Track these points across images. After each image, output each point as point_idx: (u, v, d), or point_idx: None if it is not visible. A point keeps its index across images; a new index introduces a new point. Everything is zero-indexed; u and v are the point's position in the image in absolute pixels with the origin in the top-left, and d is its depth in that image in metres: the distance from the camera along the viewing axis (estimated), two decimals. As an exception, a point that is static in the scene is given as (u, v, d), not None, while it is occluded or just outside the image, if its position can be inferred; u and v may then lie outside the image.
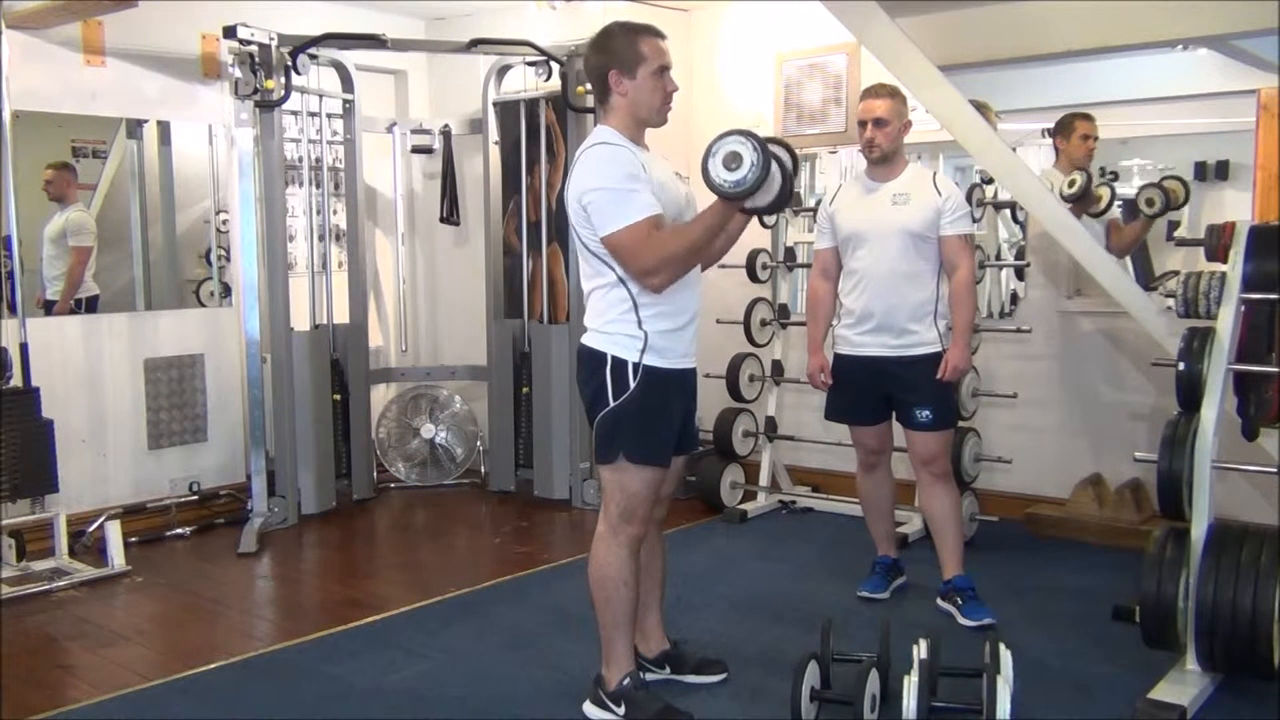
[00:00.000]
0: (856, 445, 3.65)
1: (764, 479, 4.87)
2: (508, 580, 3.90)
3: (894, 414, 3.53)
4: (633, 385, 2.56)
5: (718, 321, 4.95)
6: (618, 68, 2.60)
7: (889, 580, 3.66)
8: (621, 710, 2.65)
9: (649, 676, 2.82)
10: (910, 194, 3.40)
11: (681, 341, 2.63)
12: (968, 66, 4.11)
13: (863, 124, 3.42)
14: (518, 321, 5.21)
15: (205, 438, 4.83)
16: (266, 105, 4.45)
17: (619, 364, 2.57)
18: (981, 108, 4.17)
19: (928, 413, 3.40)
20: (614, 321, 2.57)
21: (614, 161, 2.51)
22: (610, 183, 2.48)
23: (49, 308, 4.39)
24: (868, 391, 3.51)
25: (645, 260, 2.47)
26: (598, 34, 2.69)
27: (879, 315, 3.42)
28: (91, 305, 4.52)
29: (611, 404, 2.57)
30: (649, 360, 2.56)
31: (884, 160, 3.42)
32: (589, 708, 2.72)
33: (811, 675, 2.63)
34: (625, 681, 2.66)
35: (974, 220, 3.72)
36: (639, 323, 2.56)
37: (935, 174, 3.52)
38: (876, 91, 3.43)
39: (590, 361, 2.63)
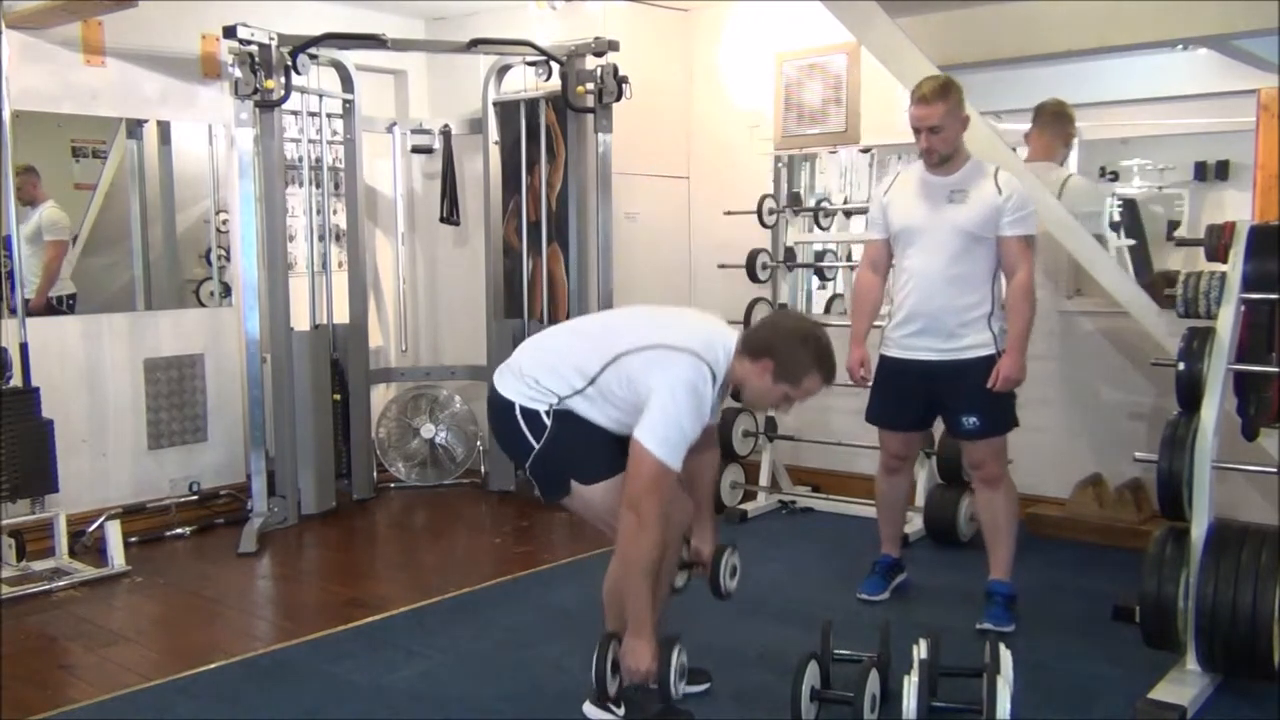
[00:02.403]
0: (881, 447, 3.58)
1: (764, 479, 4.87)
2: (508, 580, 3.90)
3: (940, 419, 3.45)
4: (549, 424, 2.56)
5: (718, 321, 4.94)
6: (774, 364, 2.53)
7: (888, 580, 3.64)
8: (621, 711, 2.65)
9: None
10: (968, 191, 3.24)
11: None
12: (968, 66, 4.11)
13: (916, 131, 3.22)
14: (518, 321, 5.20)
15: (205, 438, 4.83)
16: (266, 105, 4.45)
17: (529, 412, 2.58)
18: (1061, 110, 4.10)
19: (974, 419, 3.28)
20: (539, 384, 2.57)
21: (698, 401, 2.46)
22: (683, 418, 2.43)
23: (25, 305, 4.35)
24: (911, 397, 3.40)
25: (641, 501, 2.42)
26: (800, 325, 2.63)
27: (926, 318, 3.29)
28: (71, 303, 4.48)
29: (536, 446, 2.58)
30: (560, 407, 2.58)
31: (944, 161, 3.26)
32: (589, 708, 2.72)
33: (811, 675, 2.63)
34: (625, 682, 2.66)
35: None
36: (566, 396, 2.57)
37: (997, 170, 3.30)
38: (926, 97, 3.18)
39: (497, 408, 2.64)
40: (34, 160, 4.29)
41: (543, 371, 2.60)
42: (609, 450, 2.60)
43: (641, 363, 2.51)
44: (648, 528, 2.42)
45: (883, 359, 3.47)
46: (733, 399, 2.71)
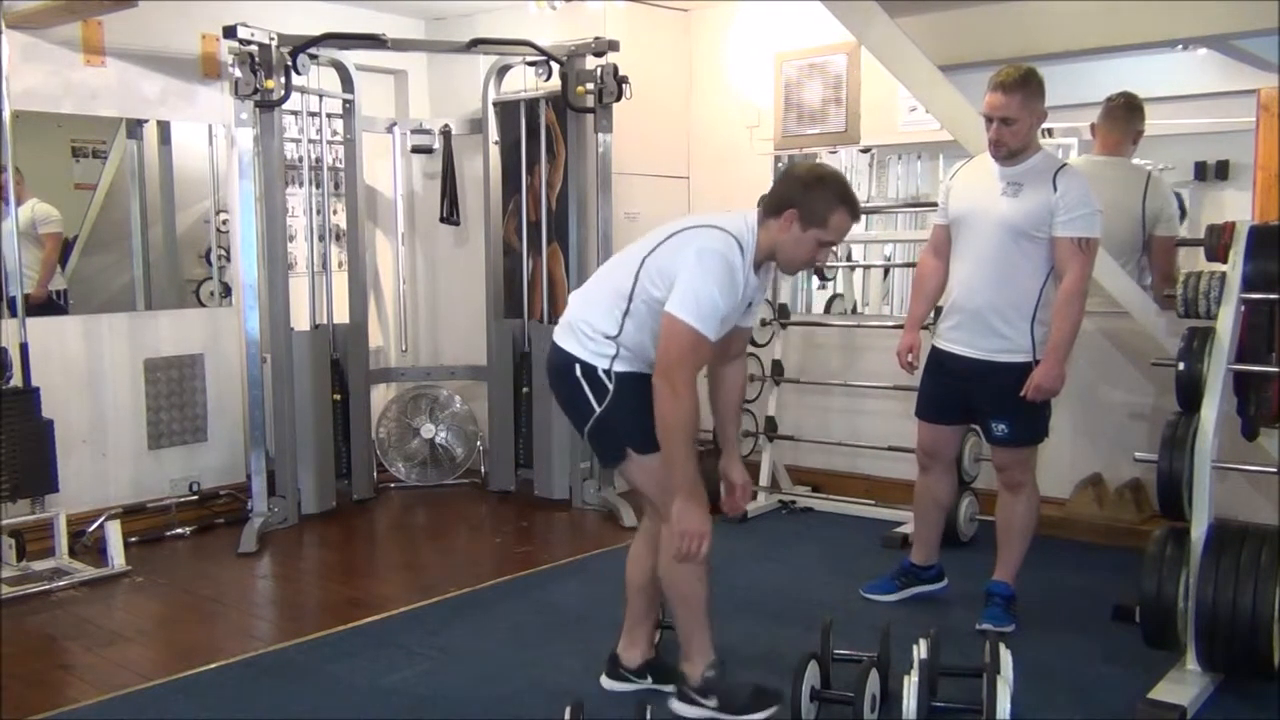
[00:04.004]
0: (917, 441, 3.52)
1: (764, 479, 4.87)
2: (508, 580, 3.90)
3: (973, 420, 3.40)
4: (611, 388, 2.55)
5: (718, 321, 4.94)
6: (798, 211, 2.51)
7: (898, 585, 3.58)
8: (713, 703, 2.64)
9: (629, 687, 2.83)
10: (1024, 185, 3.10)
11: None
12: (968, 66, 4.11)
13: (988, 119, 3.09)
14: (518, 321, 5.21)
15: (205, 438, 4.83)
16: (266, 105, 4.45)
17: (588, 369, 2.56)
18: (1132, 103, 3.98)
19: (1004, 426, 3.21)
20: (591, 326, 2.57)
21: (729, 271, 2.45)
22: (713, 286, 2.42)
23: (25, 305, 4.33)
24: (946, 391, 3.35)
25: (674, 369, 2.40)
26: (812, 168, 2.62)
27: (966, 313, 3.22)
28: (64, 299, 4.47)
29: (597, 409, 2.57)
30: (620, 367, 2.56)
31: (1012, 155, 3.14)
32: (678, 706, 2.69)
33: (811, 675, 2.63)
34: (710, 673, 2.65)
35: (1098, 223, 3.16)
36: (618, 334, 2.55)
37: (1061, 168, 3.13)
38: (1005, 86, 3.04)
39: (557, 366, 2.63)
40: (34, 160, 4.28)
41: (589, 311, 2.59)
42: None
43: (667, 251, 2.51)
44: (681, 395, 2.40)
45: (931, 348, 3.40)
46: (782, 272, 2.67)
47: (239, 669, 3.10)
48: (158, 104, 4.63)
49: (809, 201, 2.50)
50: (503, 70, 5.18)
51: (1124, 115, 4.07)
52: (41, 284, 4.39)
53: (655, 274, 2.50)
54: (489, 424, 5.34)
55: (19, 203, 4.36)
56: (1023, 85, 3.04)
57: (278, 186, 4.60)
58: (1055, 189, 3.07)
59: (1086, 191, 3.09)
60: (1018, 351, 3.17)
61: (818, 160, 4.74)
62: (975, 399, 3.29)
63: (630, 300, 2.53)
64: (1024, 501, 3.34)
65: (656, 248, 2.54)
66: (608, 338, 2.55)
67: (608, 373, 2.55)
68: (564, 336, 2.63)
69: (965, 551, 4.13)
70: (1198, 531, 2.75)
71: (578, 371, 2.57)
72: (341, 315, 5.06)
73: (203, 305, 4.86)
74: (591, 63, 4.76)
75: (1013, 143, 3.10)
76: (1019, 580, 3.40)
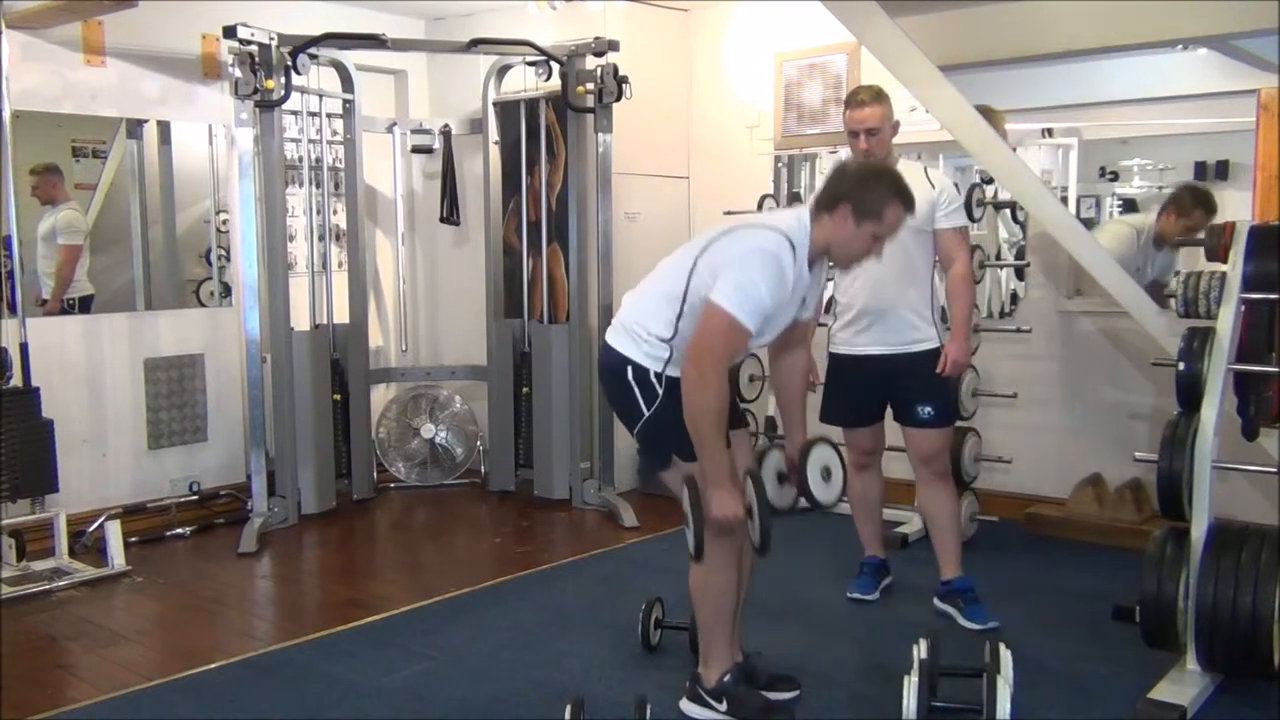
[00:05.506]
0: (849, 446, 3.58)
1: (764, 479, 4.86)
2: (508, 580, 3.90)
3: (892, 412, 3.48)
4: (661, 392, 2.53)
5: (718, 321, 4.94)
6: (852, 206, 2.51)
7: (877, 581, 3.64)
8: (723, 707, 2.65)
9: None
10: None
11: None
12: (968, 66, 4.11)
13: (854, 134, 3.35)
14: (518, 321, 5.21)
15: (205, 438, 4.83)
16: (266, 105, 4.45)
17: (640, 371, 2.55)
18: (988, 113, 4.13)
19: (929, 409, 3.36)
20: (647, 330, 2.55)
21: (778, 269, 2.45)
22: (759, 281, 2.41)
23: (44, 305, 4.38)
24: (865, 392, 3.47)
25: (705, 353, 2.40)
26: (864, 164, 2.67)
27: (874, 313, 3.38)
28: (85, 305, 4.50)
29: (646, 413, 2.55)
30: (672, 371, 2.53)
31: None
32: (688, 705, 2.71)
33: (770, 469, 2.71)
34: (726, 678, 2.66)
35: (972, 215, 3.72)
36: (672, 337, 2.53)
37: (926, 167, 3.46)
38: (862, 100, 3.34)
39: (609, 367, 2.61)
40: (34, 160, 4.28)
41: (642, 314, 2.58)
42: None
43: (718, 250, 2.51)
44: (708, 380, 2.39)
45: (833, 357, 3.53)
46: (836, 267, 2.72)
47: (239, 669, 3.10)
48: (158, 104, 4.63)
49: (863, 196, 2.50)
50: (503, 70, 5.18)
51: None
52: (55, 296, 4.41)
53: (707, 273, 2.49)
54: (489, 424, 5.34)
55: (54, 204, 4.39)
56: (879, 98, 3.33)
57: (278, 186, 4.60)
58: (933, 186, 3.34)
59: (953, 184, 3.44)
60: (928, 341, 3.39)
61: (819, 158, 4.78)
62: (897, 391, 3.43)
63: (683, 301, 2.52)
64: (950, 490, 3.49)
65: (708, 246, 2.53)
66: (661, 340, 2.54)
67: (659, 376, 2.54)
68: (617, 337, 2.61)
69: (964, 552, 4.12)
70: (1198, 531, 2.75)
71: (630, 374, 2.55)
72: (341, 315, 5.06)
73: (203, 305, 4.87)
74: (591, 63, 4.76)
75: (879, 151, 3.33)
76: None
